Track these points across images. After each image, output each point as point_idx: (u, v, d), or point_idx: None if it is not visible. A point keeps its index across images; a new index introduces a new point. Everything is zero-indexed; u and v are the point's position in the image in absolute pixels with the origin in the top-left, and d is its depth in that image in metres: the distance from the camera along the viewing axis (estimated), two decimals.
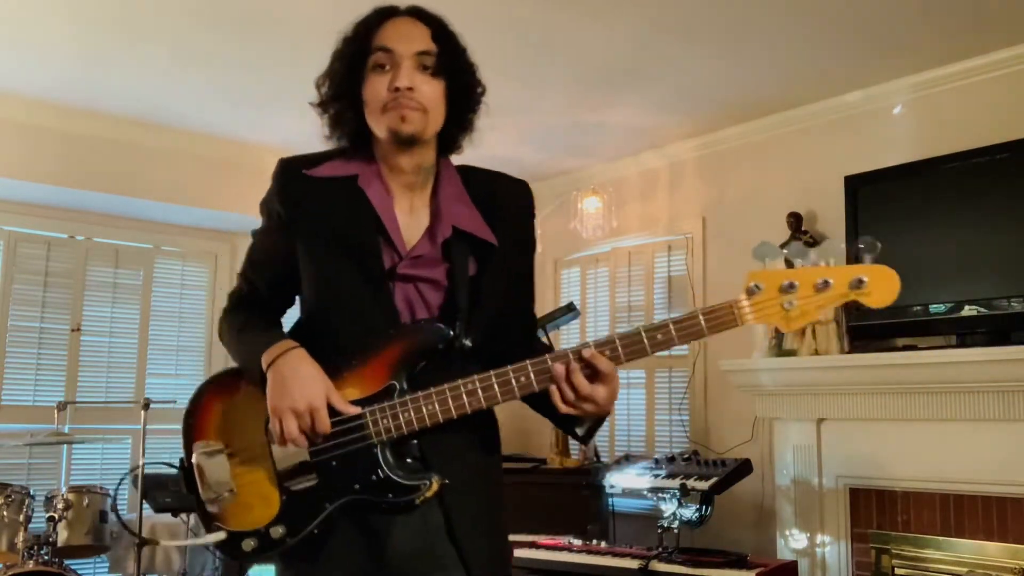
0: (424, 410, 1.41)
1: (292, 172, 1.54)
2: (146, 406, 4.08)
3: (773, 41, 3.55)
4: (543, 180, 5.42)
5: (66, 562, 3.68)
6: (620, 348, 1.41)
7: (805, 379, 3.73)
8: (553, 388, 1.40)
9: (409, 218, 1.53)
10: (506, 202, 1.59)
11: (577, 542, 3.70)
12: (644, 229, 5.02)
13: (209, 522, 1.49)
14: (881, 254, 1.45)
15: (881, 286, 1.39)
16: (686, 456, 3.89)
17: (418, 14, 1.52)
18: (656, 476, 3.80)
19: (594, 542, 3.69)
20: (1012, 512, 3.23)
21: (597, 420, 1.50)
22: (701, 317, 1.39)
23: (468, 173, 1.61)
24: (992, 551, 3.26)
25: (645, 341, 1.40)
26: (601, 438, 4.97)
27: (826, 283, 1.38)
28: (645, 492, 3.86)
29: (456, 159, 1.62)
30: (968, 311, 3.38)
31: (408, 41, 1.47)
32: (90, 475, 4.71)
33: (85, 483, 4.08)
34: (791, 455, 3.80)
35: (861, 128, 4.04)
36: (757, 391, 3.91)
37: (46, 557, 3.62)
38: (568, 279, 5.49)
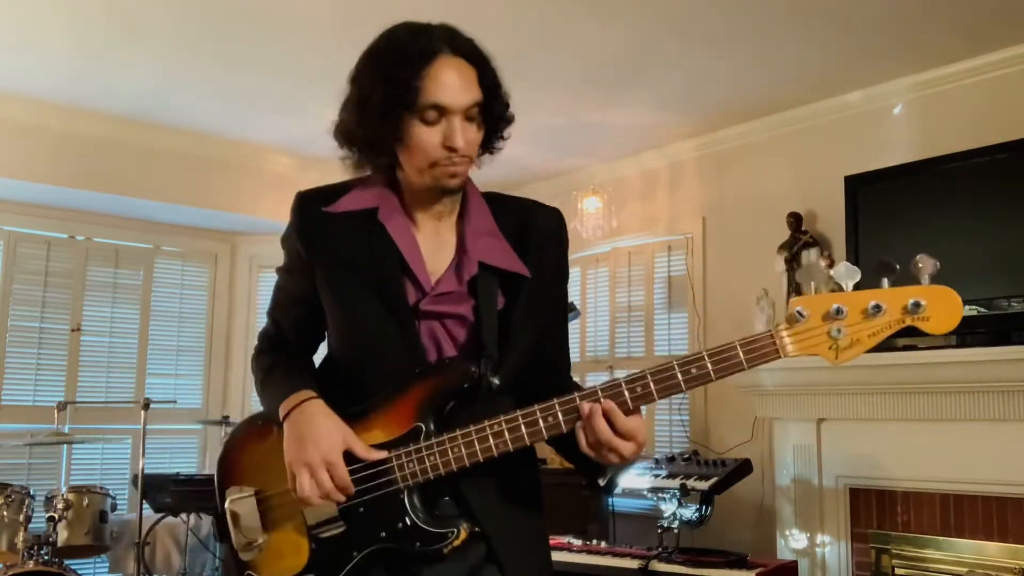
0: (450, 453, 1.36)
1: (310, 208, 1.49)
2: (146, 406, 4.08)
3: (774, 41, 3.55)
4: (543, 180, 5.42)
5: (66, 562, 3.68)
6: (652, 384, 1.31)
7: (805, 379, 3.73)
8: (579, 428, 1.32)
9: (434, 245, 1.48)
10: (538, 232, 1.51)
11: (577, 542, 3.70)
12: (644, 229, 5.02)
13: (242, 570, 1.47)
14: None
15: (941, 309, 1.24)
16: (686, 456, 3.89)
17: (462, 51, 1.40)
18: (656, 476, 3.80)
19: (594, 542, 3.69)
20: (1012, 512, 3.23)
21: (618, 471, 1.46)
22: (740, 349, 1.29)
23: (497, 201, 1.54)
24: (992, 551, 3.26)
25: (679, 376, 1.30)
26: None
27: (878, 308, 1.24)
28: (645, 492, 3.86)
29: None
30: (968, 311, 3.38)
31: (460, 95, 1.37)
32: (90, 475, 4.72)
33: (85, 483, 4.09)
34: (791, 455, 3.80)
35: (861, 128, 4.04)
36: (757, 391, 3.91)
37: (46, 557, 3.62)
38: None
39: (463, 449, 1.36)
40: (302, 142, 4.79)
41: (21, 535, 3.52)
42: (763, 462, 4.03)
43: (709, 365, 1.29)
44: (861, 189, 3.79)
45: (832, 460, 3.69)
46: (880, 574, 3.54)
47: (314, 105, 4.28)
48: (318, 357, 1.61)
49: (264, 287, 5.28)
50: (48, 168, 4.48)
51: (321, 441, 1.37)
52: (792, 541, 3.76)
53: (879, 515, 3.58)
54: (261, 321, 1.66)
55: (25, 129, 4.40)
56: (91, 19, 3.46)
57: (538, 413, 1.35)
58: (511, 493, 1.48)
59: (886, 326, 1.25)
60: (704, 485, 3.58)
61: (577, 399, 1.33)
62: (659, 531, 3.48)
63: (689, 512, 3.54)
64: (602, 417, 1.31)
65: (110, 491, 3.92)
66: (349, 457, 1.38)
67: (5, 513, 3.55)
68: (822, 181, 4.09)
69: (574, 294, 5.34)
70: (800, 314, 1.27)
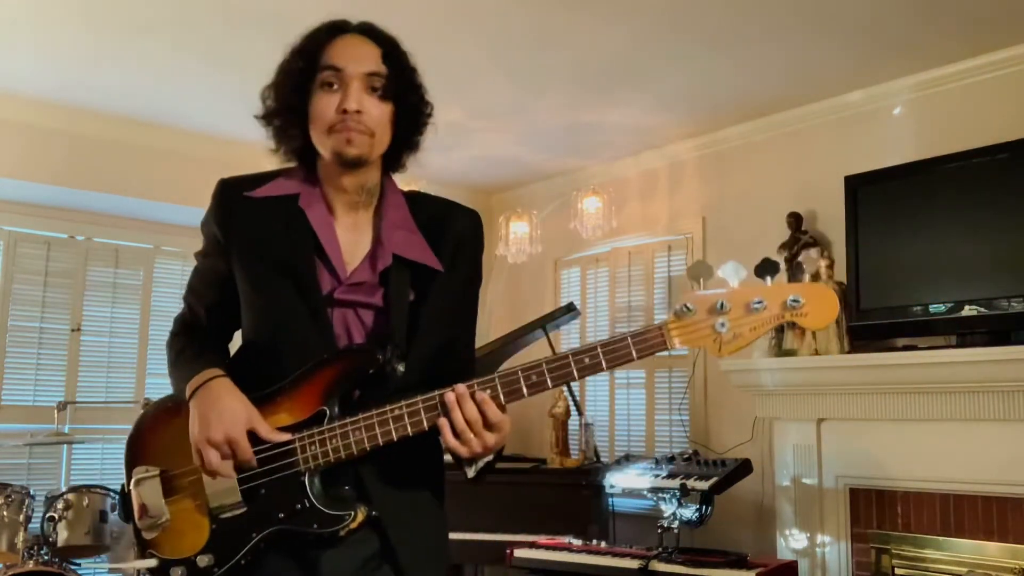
0: (351, 436, 1.38)
1: (231, 193, 1.53)
2: (146, 406, 4.07)
3: (773, 41, 3.55)
4: (543, 180, 5.42)
5: (66, 562, 3.68)
6: (547, 373, 1.36)
7: (805, 379, 3.73)
8: (442, 421, 1.36)
9: (351, 236, 1.52)
10: (454, 232, 1.55)
11: (577, 542, 3.70)
12: (644, 229, 5.02)
13: (144, 548, 1.49)
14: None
15: (818, 306, 1.31)
16: (686, 456, 3.89)
17: (370, 33, 1.51)
18: (656, 476, 3.80)
19: (594, 542, 3.69)
20: (1012, 512, 3.23)
21: (488, 464, 1.46)
22: (630, 341, 1.35)
23: (417, 199, 1.59)
24: (992, 551, 3.26)
25: (572, 366, 1.36)
26: (601, 438, 4.97)
27: (760, 303, 1.31)
28: (645, 492, 3.86)
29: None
30: (968, 311, 3.38)
31: (358, 61, 1.45)
32: (90, 475, 4.71)
33: (85, 483, 4.08)
34: (791, 455, 3.80)
35: (861, 128, 4.04)
36: (757, 391, 3.91)
37: (46, 557, 3.62)
38: (568, 279, 5.49)
39: (364, 432, 1.38)
40: None
41: (21, 535, 3.52)
42: (763, 462, 4.03)
43: (601, 355, 1.36)
44: (861, 189, 3.79)
45: (832, 460, 3.69)
46: (880, 574, 3.54)
47: None
48: (234, 346, 1.61)
49: None
50: (49, 168, 4.47)
51: (224, 417, 1.40)
52: (792, 541, 3.76)
53: (879, 515, 3.58)
54: None
55: (25, 129, 4.40)
56: (91, 19, 3.46)
57: (438, 398, 1.37)
58: (412, 482, 1.50)
59: (767, 320, 1.32)
60: (704, 485, 3.58)
61: (475, 385, 1.37)
62: (659, 531, 3.49)
63: (689, 512, 3.54)
64: (472, 404, 1.35)
65: (110, 491, 3.93)
66: (253, 438, 1.40)
67: (5, 513, 3.55)
68: (822, 181, 4.09)
69: (574, 294, 5.34)
70: (687, 308, 1.35)
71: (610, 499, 4.35)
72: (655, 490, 3.73)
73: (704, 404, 4.61)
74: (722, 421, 4.49)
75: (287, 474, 1.41)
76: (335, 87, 1.45)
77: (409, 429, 1.37)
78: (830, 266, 3.79)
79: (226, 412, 1.40)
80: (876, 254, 3.68)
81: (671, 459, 3.91)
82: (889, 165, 3.75)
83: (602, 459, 4.66)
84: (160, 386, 5.11)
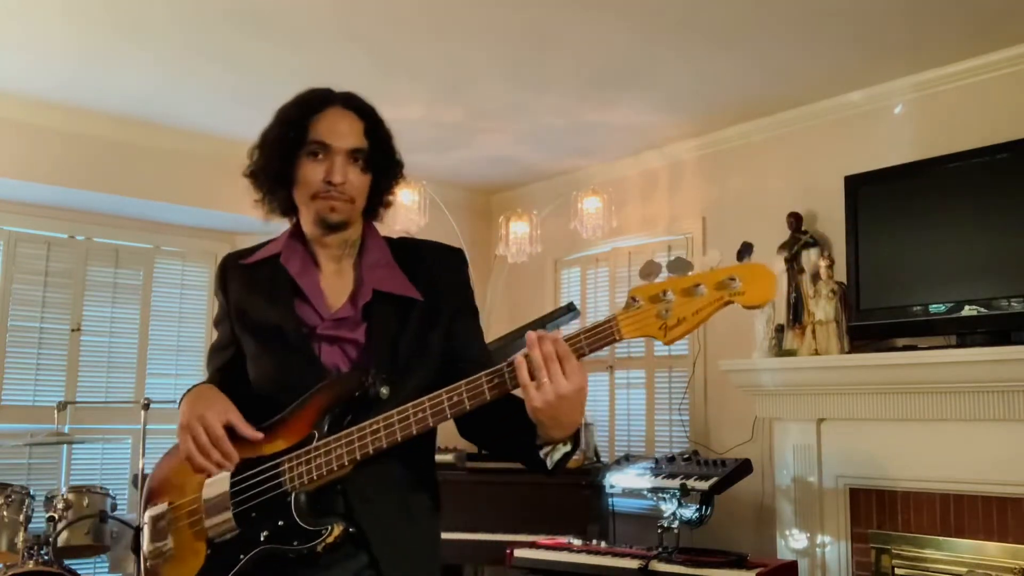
0: (333, 453, 1.45)
1: (228, 264, 1.71)
2: (146, 406, 4.08)
3: (773, 41, 3.55)
4: (543, 180, 5.42)
5: (66, 562, 3.68)
6: (506, 375, 1.38)
7: (805, 379, 3.73)
8: (530, 385, 1.34)
9: (335, 282, 1.63)
10: (427, 265, 1.65)
11: (577, 542, 3.70)
12: (644, 229, 5.02)
13: None
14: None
15: (754, 283, 1.34)
16: (686, 456, 3.89)
17: (353, 105, 1.61)
18: (656, 476, 3.80)
19: (594, 542, 3.69)
20: (1012, 512, 3.23)
21: (567, 451, 1.46)
22: (583, 336, 1.38)
23: (400, 242, 1.70)
24: (992, 551, 3.26)
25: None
26: (601, 438, 4.97)
27: (698, 286, 1.36)
28: (645, 492, 3.86)
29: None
30: (968, 311, 3.38)
31: (343, 138, 1.57)
32: (90, 475, 4.72)
33: (85, 483, 4.08)
34: (791, 455, 3.80)
35: (861, 128, 4.04)
36: (757, 391, 3.91)
37: (46, 557, 3.62)
38: (568, 279, 5.49)
39: (344, 448, 1.45)
40: None
41: (21, 535, 3.52)
42: (763, 462, 4.03)
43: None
44: (861, 189, 3.79)
45: (832, 460, 3.69)
46: (880, 574, 3.54)
47: None
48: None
49: None
50: (48, 168, 4.47)
51: (197, 405, 1.53)
52: (792, 541, 3.76)
53: (879, 515, 3.58)
54: None
55: (25, 129, 4.40)
56: (91, 19, 3.46)
57: (416, 406, 1.42)
58: (401, 497, 1.55)
59: (708, 304, 1.36)
60: (704, 485, 3.58)
61: (504, 367, 1.38)
62: (659, 531, 3.49)
63: (689, 512, 3.54)
64: (555, 359, 1.35)
65: (110, 491, 3.92)
66: (244, 463, 1.50)
67: (5, 513, 3.55)
68: (822, 181, 4.09)
69: (574, 294, 5.34)
70: (634, 300, 1.39)
71: (610, 499, 4.36)
72: (655, 490, 3.73)
73: (704, 404, 4.61)
74: (722, 421, 4.49)
75: (275, 494, 1.48)
76: (320, 157, 1.56)
77: (384, 441, 1.43)
78: (830, 266, 3.79)
79: (203, 401, 1.54)
80: (876, 254, 3.68)
81: (671, 459, 3.91)
82: (889, 165, 3.75)
83: (602, 459, 4.66)
84: (160, 386, 5.12)
